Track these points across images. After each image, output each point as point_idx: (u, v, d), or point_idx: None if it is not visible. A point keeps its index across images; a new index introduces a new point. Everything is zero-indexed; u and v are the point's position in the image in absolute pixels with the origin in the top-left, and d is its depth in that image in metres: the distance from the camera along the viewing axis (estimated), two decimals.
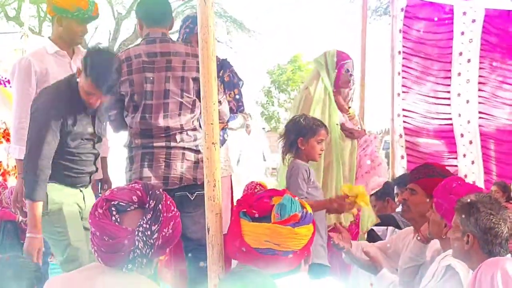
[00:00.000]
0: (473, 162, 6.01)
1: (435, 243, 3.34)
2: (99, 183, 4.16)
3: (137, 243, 2.26)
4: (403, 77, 6.24)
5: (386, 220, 4.95)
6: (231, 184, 4.48)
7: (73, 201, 3.62)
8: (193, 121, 3.61)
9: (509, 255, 2.65)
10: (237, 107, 4.35)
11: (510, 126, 6.01)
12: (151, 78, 3.53)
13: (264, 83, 30.67)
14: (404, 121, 6.24)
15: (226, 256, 2.65)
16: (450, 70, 6.09)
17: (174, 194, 3.37)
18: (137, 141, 3.59)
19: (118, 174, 3.90)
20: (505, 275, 2.46)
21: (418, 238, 3.40)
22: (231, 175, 4.47)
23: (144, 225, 2.28)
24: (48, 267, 5.44)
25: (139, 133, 3.58)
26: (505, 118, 6.02)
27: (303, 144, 3.92)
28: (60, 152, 3.50)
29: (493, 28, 6.00)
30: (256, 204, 2.45)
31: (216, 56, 2.74)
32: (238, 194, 4.46)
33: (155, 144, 3.55)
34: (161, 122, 3.54)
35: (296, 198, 2.50)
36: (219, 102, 3.11)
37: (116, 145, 4.18)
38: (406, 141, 6.22)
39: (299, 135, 3.94)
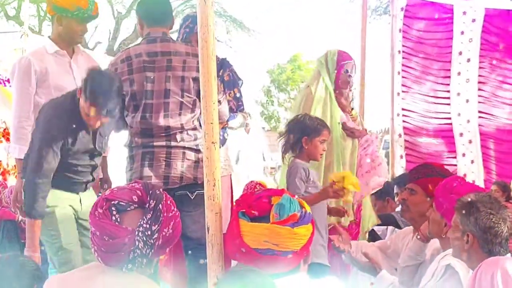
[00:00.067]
0: (472, 162, 6.01)
1: (435, 242, 3.35)
2: (99, 183, 4.15)
3: (137, 243, 2.26)
4: (403, 77, 6.24)
5: (386, 219, 4.95)
6: (231, 183, 4.48)
7: (66, 203, 3.62)
8: (193, 121, 3.61)
9: (509, 254, 2.65)
10: (237, 107, 4.35)
11: (510, 126, 6.02)
12: (152, 77, 3.53)
13: (263, 82, 30.70)
14: (403, 121, 6.25)
15: (226, 255, 2.65)
16: (450, 70, 6.09)
17: (175, 193, 3.37)
18: (137, 140, 3.59)
19: (118, 174, 3.90)
20: (505, 275, 2.46)
21: (418, 237, 3.40)
22: (231, 175, 4.47)
23: (144, 225, 2.28)
24: (48, 266, 5.44)
25: (140, 132, 3.58)
26: (505, 118, 6.03)
27: (307, 143, 3.94)
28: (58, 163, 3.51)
29: (493, 28, 6.00)
30: (255, 204, 2.44)
31: (216, 56, 2.74)
32: (237, 194, 4.46)
33: (155, 144, 3.55)
34: (162, 121, 3.54)
35: (296, 197, 2.50)
36: (219, 102, 3.10)
37: (116, 145, 4.18)
38: (406, 140, 6.22)
39: (304, 134, 3.95)
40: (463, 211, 2.67)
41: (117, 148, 4.09)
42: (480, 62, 6.01)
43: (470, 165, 6.00)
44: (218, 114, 2.79)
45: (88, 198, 3.72)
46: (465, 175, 5.83)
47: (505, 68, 6.03)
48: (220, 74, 4.24)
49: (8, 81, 7.34)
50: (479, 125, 6.02)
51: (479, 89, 6.04)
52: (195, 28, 3.70)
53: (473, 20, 5.99)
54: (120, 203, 2.31)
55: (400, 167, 6.16)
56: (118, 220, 2.29)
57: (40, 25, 18.56)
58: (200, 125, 3.38)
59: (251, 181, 7.22)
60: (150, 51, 3.57)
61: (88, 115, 3.39)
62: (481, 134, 6.01)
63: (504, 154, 6.03)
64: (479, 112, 6.04)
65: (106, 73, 3.41)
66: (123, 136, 3.76)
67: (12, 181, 8.07)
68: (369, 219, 4.71)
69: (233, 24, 21.09)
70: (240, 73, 4.42)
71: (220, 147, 2.87)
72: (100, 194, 4.00)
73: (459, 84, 6.06)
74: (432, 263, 3.14)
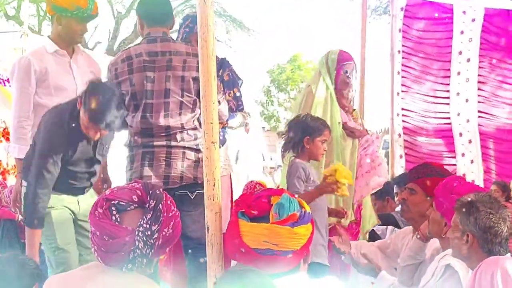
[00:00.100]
0: (472, 161, 6.01)
1: (435, 242, 3.35)
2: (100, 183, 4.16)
3: (137, 243, 2.26)
4: (402, 76, 6.25)
5: (385, 219, 4.96)
6: (231, 183, 4.49)
7: (62, 204, 3.62)
8: (193, 121, 3.62)
9: (508, 254, 2.65)
10: (236, 106, 4.36)
11: (509, 125, 6.02)
12: (152, 77, 3.54)
13: (263, 82, 30.71)
14: (403, 120, 6.25)
15: (226, 255, 2.65)
16: (449, 69, 6.10)
17: (175, 193, 3.38)
18: (137, 140, 3.59)
19: (118, 173, 3.90)
20: (505, 274, 2.47)
21: (418, 236, 3.40)
22: (230, 174, 4.47)
23: (144, 225, 2.28)
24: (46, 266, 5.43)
25: (140, 132, 3.58)
26: (505, 117, 6.03)
27: (309, 143, 3.95)
28: None
29: (492, 27, 6.00)
30: (254, 204, 2.44)
31: (215, 56, 2.74)
32: (237, 193, 4.46)
33: (155, 143, 3.55)
34: (162, 121, 3.55)
35: (296, 196, 2.50)
36: (218, 102, 3.11)
37: (116, 144, 4.18)
38: (405, 140, 6.23)
39: (306, 134, 3.96)
40: (463, 211, 2.67)
41: (117, 147, 4.09)
42: (479, 61, 6.01)
43: (469, 165, 6.00)
44: (219, 114, 2.79)
45: (87, 199, 3.71)
46: (464, 174, 5.84)
47: (504, 68, 6.03)
48: (220, 74, 4.24)
49: (8, 80, 7.34)
50: (479, 124, 6.02)
51: (479, 89, 6.04)
52: (195, 28, 3.70)
53: (473, 20, 6.00)
54: (120, 203, 2.31)
55: (399, 167, 6.17)
56: (118, 220, 2.29)
57: (40, 25, 18.55)
58: (200, 125, 3.38)
59: (251, 181, 7.23)
60: (150, 51, 3.57)
61: (87, 127, 3.38)
62: (480, 133, 6.02)
63: (504, 153, 6.03)
64: (479, 111, 6.04)
65: (106, 86, 3.37)
66: (123, 135, 3.76)
67: (12, 180, 8.08)
68: (370, 219, 4.72)
69: (233, 24, 21.09)
70: (240, 73, 4.43)
71: (220, 147, 2.87)
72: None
73: (459, 84, 6.07)
74: (432, 263, 3.14)
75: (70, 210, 3.65)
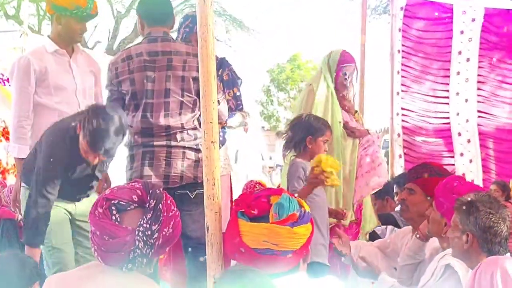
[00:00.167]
0: (471, 161, 6.02)
1: (434, 241, 3.35)
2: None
3: (137, 242, 2.26)
4: (402, 76, 6.25)
5: (385, 219, 4.96)
6: (231, 182, 4.48)
7: (58, 204, 3.61)
8: (193, 120, 3.62)
9: (508, 254, 2.65)
10: (236, 106, 4.36)
11: (509, 125, 6.02)
12: (152, 77, 3.54)
13: (263, 81, 30.72)
14: (403, 120, 6.25)
15: (225, 255, 2.65)
16: (449, 69, 6.10)
17: (175, 192, 3.38)
18: (137, 139, 3.59)
19: (118, 173, 3.90)
20: (505, 274, 2.47)
21: (417, 236, 3.40)
22: (230, 174, 4.47)
23: (145, 225, 2.27)
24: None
25: (140, 131, 3.58)
26: (505, 117, 6.03)
27: (311, 142, 3.95)
28: None
29: (492, 27, 6.01)
30: (254, 203, 2.44)
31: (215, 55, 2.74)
32: (237, 193, 4.46)
33: (155, 143, 3.56)
34: (162, 121, 3.55)
35: (296, 194, 2.50)
36: (218, 101, 3.11)
37: None
38: (404, 140, 6.23)
39: (308, 134, 3.96)
40: (463, 211, 2.67)
41: None
42: (479, 61, 6.02)
43: (468, 165, 6.01)
44: (218, 113, 2.79)
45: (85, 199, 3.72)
46: (463, 174, 5.84)
47: (504, 68, 6.04)
48: (220, 73, 4.24)
49: (8, 80, 7.34)
50: (478, 124, 6.03)
51: (479, 89, 6.05)
52: (195, 28, 3.70)
53: (473, 20, 6.00)
54: (120, 202, 2.31)
55: (399, 167, 6.17)
56: (118, 219, 2.29)
57: (39, 24, 18.55)
58: (200, 125, 3.38)
59: (251, 181, 7.23)
60: (151, 51, 3.57)
61: (86, 152, 3.36)
62: (480, 133, 6.02)
63: (504, 153, 6.03)
64: (479, 111, 6.04)
65: (106, 112, 3.32)
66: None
67: (11, 180, 8.07)
68: (370, 219, 4.72)
69: (233, 23, 21.07)
70: (239, 73, 4.43)
71: (220, 147, 2.87)
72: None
73: (459, 84, 6.07)
74: (432, 263, 3.14)
75: (66, 210, 3.65)
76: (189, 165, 3.57)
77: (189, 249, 3.54)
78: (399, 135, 6.24)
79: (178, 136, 3.57)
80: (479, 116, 6.03)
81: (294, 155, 4.04)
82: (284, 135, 4.17)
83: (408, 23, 6.22)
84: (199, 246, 3.13)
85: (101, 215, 2.29)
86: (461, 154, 6.03)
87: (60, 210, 3.60)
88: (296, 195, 2.56)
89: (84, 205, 3.62)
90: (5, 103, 7.61)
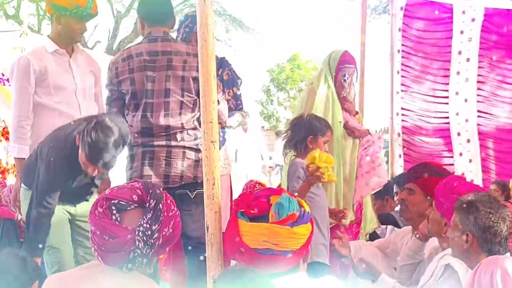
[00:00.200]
0: (470, 161, 6.02)
1: (433, 241, 3.35)
2: None
3: (137, 242, 2.26)
4: (402, 76, 6.26)
5: (385, 219, 4.96)
6: (231, 182, 4.49)
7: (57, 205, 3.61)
8: (193, 120, 3.62)
9: (508, 253, 2.65)
10: (236, 105, 4.36)
11: (509, 125, 6.02)
12: (152, 76, 3.54)
13: (263, 81, 30.72)
14: (402, 120, 6.26)
15: (225, 255, 2.65)
16: (449, 69, 6.10)
17: (175, 192, 3.38)
18: (137, 139, 3.60)
19: (118, 173, 3.90)
20: (504, 274, 2.47)
21: (417, 236, 3.40)
22: (230, 174, 4.47)
23: (145, 225, 2.27)
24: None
25: (140, 131, 3.58)
26: (505, 117, 6.03)
27: (312, 142, 3.94)
28: None
29: (492, 27, 6.01)
30: (253, 203, 2.44)
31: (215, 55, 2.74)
32: (237, 193, 4.46)
33: (155, 143, 3.56)
34: (162, 120, 3.55)
35: (296, 194, 2.50)
36: (217, 101, 3.11)
37: None
38: (404, 140, 6.23)
39: (310, 134, 3.96)
40: (463, 211, 2.67)
41: None
42: (479, 61, 6.02)
43: (468, 164, 6.01)
44: (218, 113, 2.79)
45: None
46: (463, 174, 5.84)
47: (504, 68, 6.04)
48: (219, 73, 4.24)
49: (8, 80, 7.34)
50: (478, 124, 6.03)
51: (478, 89, 6.05)
52: (195, 28, 3.70)
53: (473, 20, 6.01)
54: (120, 202, 2.31)
55: (399, 166, 6.17)
56: (118, 219, 2.29)
57: (39, 24, 18.54)
58: (200, 125, 3.39)
59: (250, 181, 7.22)
60: (151, 51, 3.57)
61: (85, 164, 3.35)
62: (480, 133, 6.02)
63: (504, 153, 6.04)
64: (478, 111, 6.05)
65: (104, 124, 3.30)
66: None
67: (11, 179, 8.08)
68: (371, 219, 4.72)
69: (233, 23, 21.06)
70: (239, 72, 4.43)
71: (220, 148, 2.87)
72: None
73: (458, 84, 6.08)
74: (431, 263, 3.14)
75: (66, 210, 3.65)
76: (189, 165, 3.57)
77: (189, 248, 3.54)
78: (399, 134, 6.24)
79: (178, 136, 3.57)
80: (479, 116, 6.04)
81: (294, 155, 4.04)
82: (285, 134, 4.17)
83: (408, 23, 6.22)
84: (199, 245, 3.13)
85: (101, 215, 2.29)
86: (460, 154, 6.04)
87: (59, 210, 3.60)
88: (296, 194, 2.55)
89: (84, 205, 3.62)
90: (5, 103, 7.61)
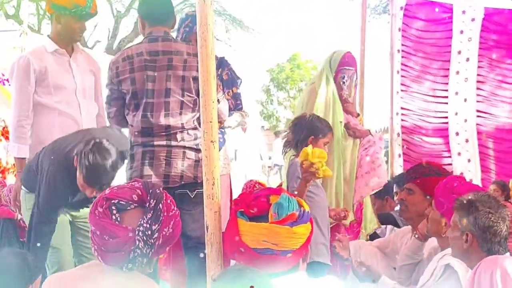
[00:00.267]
0: (469, 160, 6.02)
1: (432, 241, 3.35)
2: None
3: (137, 242, 2.26)
4: (402, 76, 6.25)
5: (385, 218, 4.96)
6: (230, 182, 4.48)
7: None
8: (193, 120, 3.62)
9: (508, 253, 2.65)
10: (235, 105, 4.36)
11: (509, 125, 6.02)
12: (153, 76, 3.54)
13: (263, 81, 30.71)
14: (402, 120, 6.26)
15: (225, 255, 2.65)
16: (449, 69, 6.10)
17: (175, 192, 3.38)
18: (138, 139, 3.60)
19: (118, 172, 3.90)
20: (504, 273, 2.47)
21: (416, 236, 3.40)
22: (230, 173, 4.47)
23: (145, 225, 2.27)
24: None
25: (140, 131, 3.59)
26: (505, 117, 6.03)
27: (313, 143, 3.94)
28: None
29: (492, 27, 6.01)
30: (253, 203, 2.44)
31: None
32: (236, 192, 4.46)
33: (155, 143, 3.56)
34: (162, 120, 3.55)
35: (296, 193, 2.50)
36: (218, 100, 3.11)
37: None
38: (404, 139, 6.23)
39: (311, 134, 3.96)
40: (462, 211, 2.67)
41: None
42: (479, 61, 6.02)
43: (466, 164, 6.01)
44: (218, 112, 2.79)
45: None
46: (461, 173, 5.84)
47: (504, 68, 6.04)
48: (219, 73, 4.24)
49: (7, 80, 7.33)
50: (478, 124, 6.03)
51: (478, 88, 6.05)
52: (195, 28, 3.69)
53: (473, 19, 6.00)
54: (120, 202, 2.31)
55: (399, 166, 6.18)
56: (118, 219, 2.29)
57: (39, 24, 18.54)
58: (200, 124, 3.39)
59: (250, 180, 7.22)
60: (151, 50, 3.58)
61: (83, 186, 3.33)
62: (479, 133, 6.02)
63: (504, 153, 6.03)
64: (478, 111, 6.04)
65: (102, 148, 3.27)
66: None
67: (11, 179, 8.07)
68: (371, 219, 4.72)
69: (233, 23, 21.06)
70: (239, 72, 4.43)
71: (220, 149, 2.87)
72: None
73: (458, 83, 6.08)
74: (431, 263, 3.14)
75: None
76: (189, 165, 3.57)
77: (189, 248, 3.54)
78: (398, 134, 6.25)
79: (178, 136, 3.57)
80: (478, 116, 6.04)
81: (293, 155, 4.04)
82: (285, 133, 4.16)
83: (408, 23, 6.22)
84: (199, 245, 3.13)
85: (101, 215, 2.29)
86: (459, 154, 6.04)
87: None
88: (296, 192, 2.56)
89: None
90: (5, 103, 7.61)
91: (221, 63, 4.32)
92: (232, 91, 4.35)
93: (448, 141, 6.10)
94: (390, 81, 6.26)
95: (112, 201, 2.31)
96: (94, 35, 19.36)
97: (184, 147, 3.58)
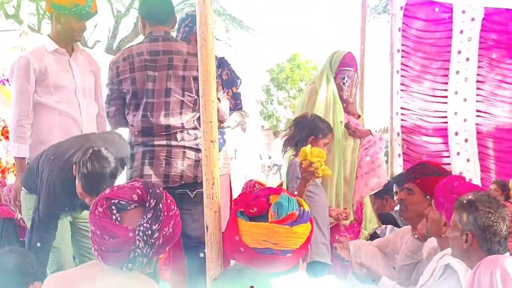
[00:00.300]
0: (468, 160, 6.02)
1: (432, 241, 3.35)
2: None
3: (137, 242, 2.26)
4: (402, 75, 6.26)
5: (384, 218, 4.96)
6: (230, 182, 4.49)
7: None
8: (194, 120, 3.62)
9: (507, 253, 2.65)
10: (235, 105, 4.36)
11: (509, 124, 6.02)
12: (153, 76, 3.54)
13: (263, 81, 30.70)
14: (402, 119, 6.26)
15: (225, 255, 2.65)
16: (448, 69, 6.10)
17: (174, 192, 3.38)
18: (138, 139, 3.60)
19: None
20: (504, 273, 2.47)
21: (416, 236, 3.40)
22: (230, 173, 4.47)
23: (145, 225, 2.28)
24: None
25: (140, 131, 3.59)
26: (505, 116, 6.03)
27: (313, 143, 3.94)
28: None
29: (492, 26, 6.01)
30: (253, 203, 2.44)
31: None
32: (236, 192, 4.46)
33: (156, 143, 3.56)
34: (162, 120, 3.55)
35: (296, 192, 2.50)
36: (218, 100, 3.11)
37: None
38: (403, 139, 6.23)
39: (311, 134, 3.96)
40: (462, 210, 2.67)
41: None
42: (479, 61, 6.02)
43: (466, 164, 6.01)
44: (219, 112, 2.79)
45: None
46: (461, 173, 5.84)
47: (504, 68, 6.04)
48: (219, 73, 4.24)
49: (8, 80, 7.33)
50: (477, 124, 6.03)
51: (478, 88, 6.05)
52: (195, 27, 3.69)
53: (472, 19, 6.00)
54: (120, 202, 2.31)
55: (398, 166, 6.18)
56: (118, 219, 2.29)
57: (39, 24, 18.54)
58: (200, 124, 3.39)
59: (250, 180, 7.21)
60: (152, 50, 3.58)
61: (81, 194, 3.33)
62: (479, 133, 6.02)
63: (504, 153, 6.03)
64: (478, 111, 6.04)
65: (100, 157, 3.26)
66: (124, 134, 3.76)
67: (11, 179, 8.07)
68: (370, 219, 4.72)
69: (233, 23, 21.05)
70: (239, 72, 4.43)
71: (220, 150, 2.87)
72: None
73: (457, 83, 6.08)
74: (431, 263, 3.14)
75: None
76: (189, 164, 3.57)
77: (189, 248, 3.54)
78: (398, 134, 6.25)
79: (179, 136, 3.58)
80: (478, 116, 6.04)
81: (293, 155, 4.04)
82: (286, 132, 4.16)
83: (408, 23, 6.22)
84: (199, 245, 3.13)
85: (101, 215, 2.29)
86: (458, 153, 6.04)
87: None
88: (295, 192, 2.56)
89: None
90: (5, 103, 7.61)
91: (221, 63, 4.32)
92: (232, 91, 4.35)
93: (447, 140, 6.10)
94: (390, 81, 6.26)
95: (112, 201, 2.31)
96: (94, 35, 19.39)
97: (184, 146, 3.58)
